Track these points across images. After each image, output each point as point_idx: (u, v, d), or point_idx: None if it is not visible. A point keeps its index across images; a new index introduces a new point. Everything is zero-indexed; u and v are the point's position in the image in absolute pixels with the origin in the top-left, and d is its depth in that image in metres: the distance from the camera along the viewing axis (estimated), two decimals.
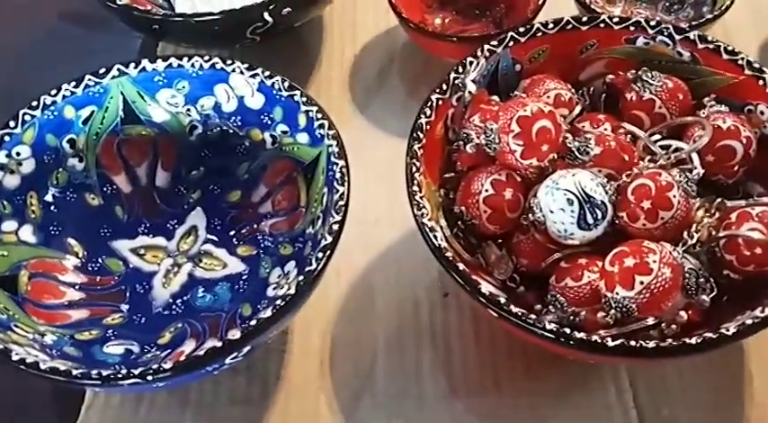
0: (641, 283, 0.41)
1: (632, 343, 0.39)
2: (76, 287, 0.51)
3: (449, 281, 0.53)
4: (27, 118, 0.51)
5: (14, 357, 0.41)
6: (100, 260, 0.53)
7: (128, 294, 0.52)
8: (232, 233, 0.54)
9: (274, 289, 0.50)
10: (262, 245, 0.53)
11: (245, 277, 0.52)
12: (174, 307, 0.51)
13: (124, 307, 0.51)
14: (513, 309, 0.41)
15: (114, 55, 0.67)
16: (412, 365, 0.49)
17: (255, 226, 0.54)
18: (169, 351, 0.48)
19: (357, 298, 0.53)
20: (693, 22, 0.60)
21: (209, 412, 0.48)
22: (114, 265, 0.53)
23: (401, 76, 0.64)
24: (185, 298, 0.51)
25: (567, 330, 0.40)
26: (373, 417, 0.48)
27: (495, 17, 0.63)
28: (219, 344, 0.40)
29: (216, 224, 0.55)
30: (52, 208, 0.52)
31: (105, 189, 0.54)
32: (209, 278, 0.52)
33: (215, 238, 0.54)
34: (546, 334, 0.40)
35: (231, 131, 0.54)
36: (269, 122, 0.53)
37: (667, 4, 0.64)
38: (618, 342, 0.39)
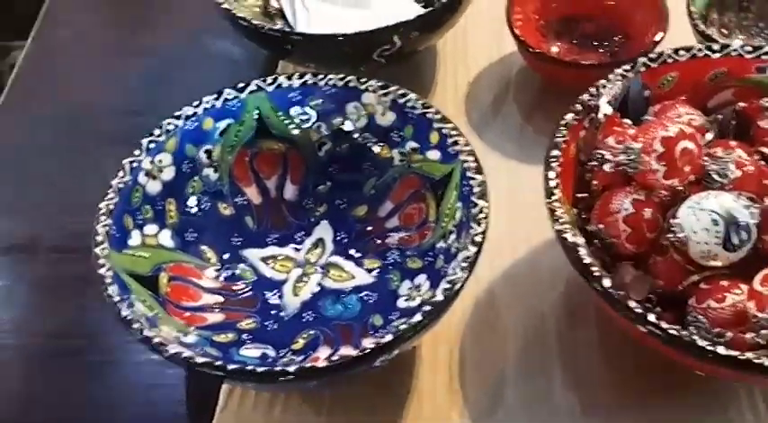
0: None
1: None
2: (211, 292, 0.52)
3: (577, 300, 0.54)
4: (170, 127, 0.53)
5: (171, 350, 0.42)
6: (232, 267, 0.54)
7: (259, 301, 0.53)
8: (359, 246, 0.55)
9: (406, 300, 0.51)
10: (388, 258, 0.54)
11: (373, 289, 0.53)
12: (304, 315, 0.52)
13: (256, 313, 0.52)
14: (664, 325, 0.41)
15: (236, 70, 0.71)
16: (542, 382, 0.50)
17: (382, 240, 0.55)
18: (304, 356, 0.49)
19: (482, 314, 0.53)
20: None
21: (342, 420, 0.48)
22: (246, 272, 0.54)
23: (517, 102, 0.65)
24: (315, 307, 0.53)
25: (729, 351, 0.40)
26: None
27: (612, 48, 0.65)
28: (372, 345, 0.41)
29: (342, 237, 0.56)
30: (188, 215, 0.54)
31: (237, 199, 0.56)
32: (338, 288, 0.53)
33: (342, 251, 0.55)
34: (708, 353, 0.40)
35: (359, 148, 0.56)
36: (398, 140, 0.54)
37: None
38: None
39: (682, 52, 0.53)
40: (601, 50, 0.65)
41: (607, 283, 0.43)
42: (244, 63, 0.72)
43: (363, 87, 0.55)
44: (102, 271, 0.46)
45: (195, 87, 0.65)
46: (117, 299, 0.44)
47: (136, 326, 0.43)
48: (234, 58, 0.73)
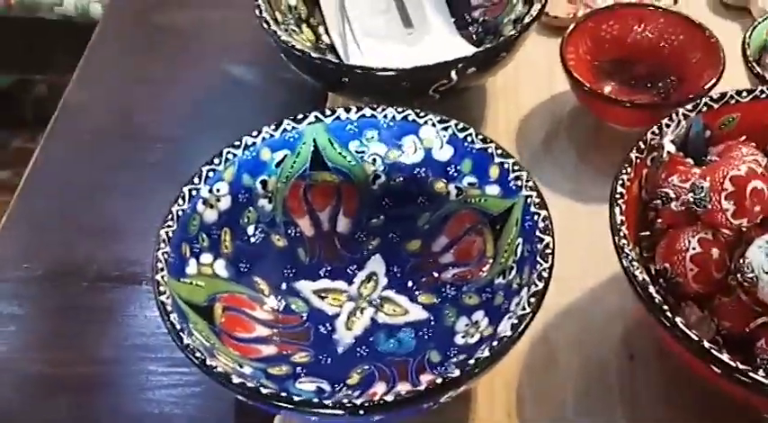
0: None
1: None
2: (265, 324, 0.52)
3: (636, 341, 0.53)
4: (229, 157, 0.53)
5: (235, 380, 0.41)
6: (284, 299, 0.53)
7: (312, 334, 0.52)
8: (412, 281, 0.54)
9: (463, 337, 0.50)
10: (444, 293, 0.53)
11: (428, 325, 0.52)
12: (358, 349, 0.51)
13: (310, 346, 0.51)
14: (741, 366, 0.40)
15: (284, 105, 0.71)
16: (603, 421, 0.48)
17: (437, 275, 0.54)
18: (359, 391, 0.48)
19: (539, 354, 0.52)
20: None
21: None
22: (298, 305, 0.53)
23: (569, 140, 0.65)
24: (369, 342, 0.52)
25: None
26: None
27: (665, 89, 0.65)
28: (440, 381, 0.40)
29: (396, 271, 0.55)
30: (242, 245, 0.53)
31: (290, 231, 0.55)
32: (392, 323, 0.53)
33: (395, 285, 0.55)
34: None
35: (414, 182, 0.55)
36: (455, 174, 0.54)
37: None
38: None
39: (744, 94, 0.53)
40: (653, 92, 0.65)
41: (679, 320, 0.42)
42: (290, 95, 0.73)
43: (422, 121, 0.55)
44: (163, 298, 0.45)
45: (232, 120, 0.67)
46: (179, 326, 0.44)
47: (198, 355, 0.42)
48: (276, 90, 0.74)
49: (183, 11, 0.83)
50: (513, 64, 0.65)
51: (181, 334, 0.43)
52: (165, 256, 0.48)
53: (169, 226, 0.49)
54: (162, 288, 0.46)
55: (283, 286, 0.54)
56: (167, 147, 0.70)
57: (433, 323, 0.52)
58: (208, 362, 0.42)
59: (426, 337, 0.52)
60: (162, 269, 0.47)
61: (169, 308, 0.45)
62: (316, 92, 0.68)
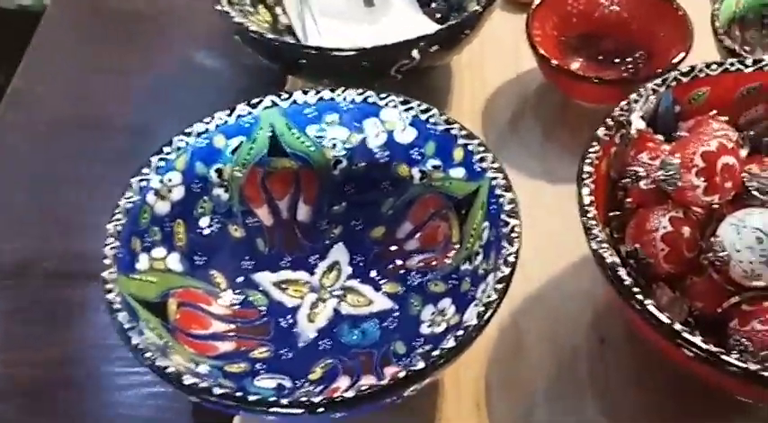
0: None
1: None
2: (222, 319, 0.49)
3: (606, 324, 0.51)
4: (181, 145, 0.51)
5: (186, 381, 0.39)
6: (243, 293, 0.51)
7: (272, 328, 0.50)
8: (377, 270, 0.52)
9: (429, 326, 0.48)
10: (409, 281, 0.51)
11: (393, 314, 0.50)
12: (320, 342, 0.49)
13: (270, 341, 0.49)
14: (713, 349, 0.39)
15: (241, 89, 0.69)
16: (572, 412, 0.47)
17: (401, 263, 0.52)
18: (322, 387, 0.46)
19: (507, 341, 0.51)
20: None
21: None
22: (257, 298, 0.51)
23: (536, 118, 0.63)
24: (332, 334, 0.50)
25: None
26: None
27: (634, 64, 0.63)
28: (402, 375, 0.38)
29: (359, 260, 0.53)
30: (197, 238, 0.51)
31: (248, 221, 0.53)
32: (356, 314, 0.51)
33: (359, 275, 0.52)
34: (758, 377, 0.37)
35: (377, 166, 0.53)
36: (419, 157, 0.52)
37: None
38: None
39: (714, 67, 0.51)
40: (621, 67, 0.63)
41: (649, 302, 0.41)
42: (250, 80, 0.70)
43: (383, 103, 0.52)
44: (110, 296, 0.43)
45: (195, 107, 0.63)
46: (127, 326, 0.41)
47: (148, 355, 0.40)
48: (238, 75, 0.71)
49: None
50: (479, 41, 0.63)
51: (129, 333, 0.41)
52: (114, 251, 0.45)
53: (117, 220, 0.47)
54: (109, 286, 0.43)
55: (241, 279, 0.51)
56: (127, 136, 0.67)
57: (398, 313, 0.50)
58: (158, 362, 0.40)
59: (391, 327, 0.50)
60: (110, 265, 0.44)
61: (117, 306, 0.42)
62: (280, 76, 0.66)
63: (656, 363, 0.48)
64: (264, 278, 0.52)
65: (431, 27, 0.64)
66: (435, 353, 0.39)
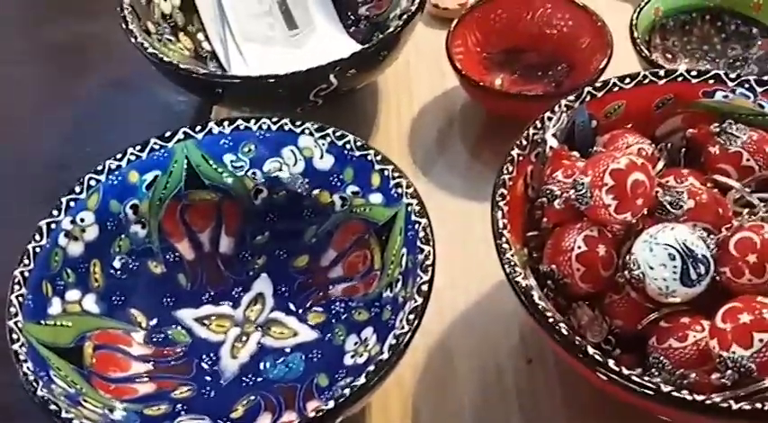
0: (761, 340, 0.39)
1: (760, 406, 0.36)
2: (142, 359, 0.48)
3: (533, 345, 0.51)
4: (92, 183, 0.49)
5: None
6: (164, 331, 0.50)
7: (194, 366, 0.49)
8: (301, 300, 0.52)
9: (352, 357, 0.48)
10: (333, 311, 0.51)
11: (318, 346, 0.49)
12: (244, 378, 0.48)
13: (191, 380, 0.48)
14: (625, 371, 0.38)
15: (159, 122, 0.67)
16: None
17: (326, 291, 0.52)
18: None
19: (435, 364, 0.50)
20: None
21: None
22: (179, 335, 0.50)
23: (462, 137, 0.62)
24: (256, 369, 0.49)
25: (693, 395, 0.37)
26: None
27: (556, 78, 0.63)
28: (312, 415, 0.38)
29: (283, 291, 0.52)
30: (115, 277, 0.50)
31: (168, 256, 0.52)
32: (280, 347, 0.50)
33: (283, 306, 0.52)
34: (670, 398, 0.37)
35: (297, 195, 0.53)
36: (338, 184, 0.51)
37: (730, 61, 0.64)
38: (745, 406, 0.37)
39: (627, 80, 0.51)
40: (545, 81, 0.63)
41: (563, 328, 0.40)
42: (184, 112, 0.69)
43: (299, 130, 0.52)
44: (15, 347, 0.41)
45: (130, 139, 0.62)
46: (32, 377, 0.40)
47: (52, 408, 0.39)
48: (175, 107, 0.70)
49: (60, 24, 0.79)
50: (405, 60, 0.63)
51: (35, 384, 0.40)
52: (20, 299, 0.44)
53: (25, 265, 0.45)
54: (15, 335, 0.42)
55: (162, 316, 0.50)
56: (46, 172, 0.65)
57: (322, 344, 0.49)
58: (63, 414, 0.39)
59: (315, 359, 0.49)
60: (16, 314, 0.43)
61: (22, 357, 0.41)
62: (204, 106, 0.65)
63: (584, 381, 0.48)
64: (186, 314, 0.51)
65: (355, 48, 0.63)
66: (345, 392, 0.38)
